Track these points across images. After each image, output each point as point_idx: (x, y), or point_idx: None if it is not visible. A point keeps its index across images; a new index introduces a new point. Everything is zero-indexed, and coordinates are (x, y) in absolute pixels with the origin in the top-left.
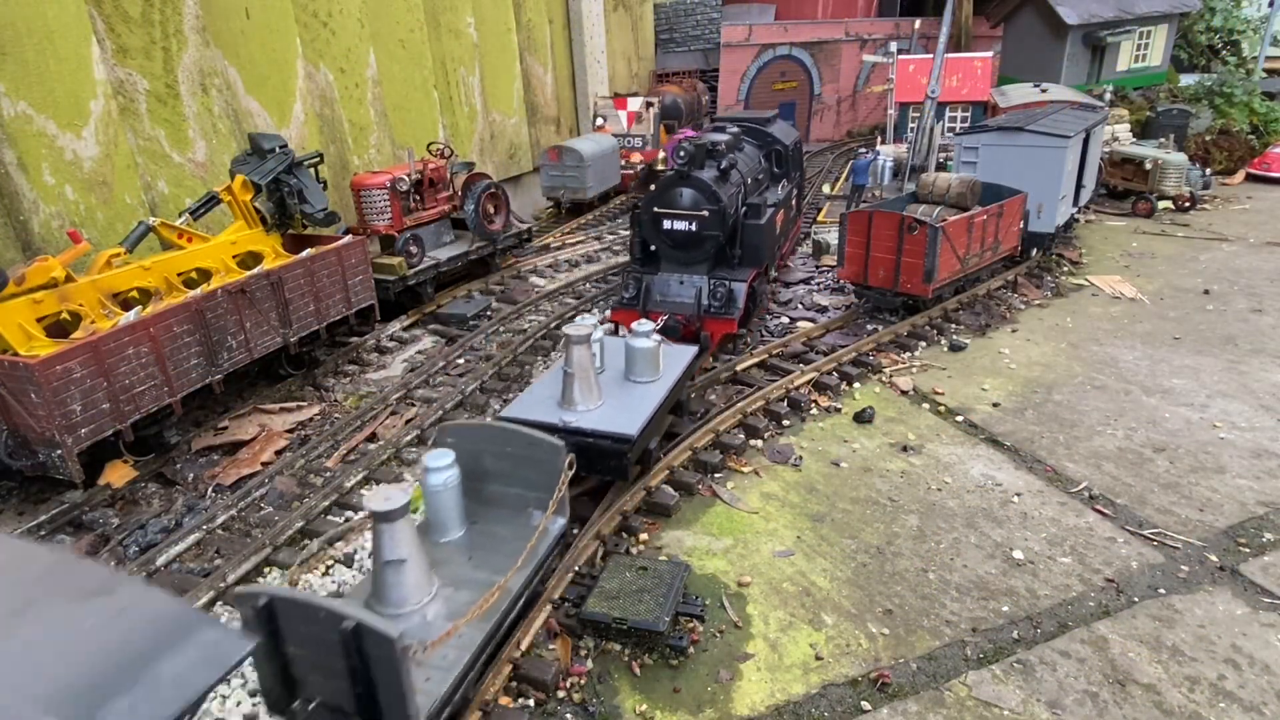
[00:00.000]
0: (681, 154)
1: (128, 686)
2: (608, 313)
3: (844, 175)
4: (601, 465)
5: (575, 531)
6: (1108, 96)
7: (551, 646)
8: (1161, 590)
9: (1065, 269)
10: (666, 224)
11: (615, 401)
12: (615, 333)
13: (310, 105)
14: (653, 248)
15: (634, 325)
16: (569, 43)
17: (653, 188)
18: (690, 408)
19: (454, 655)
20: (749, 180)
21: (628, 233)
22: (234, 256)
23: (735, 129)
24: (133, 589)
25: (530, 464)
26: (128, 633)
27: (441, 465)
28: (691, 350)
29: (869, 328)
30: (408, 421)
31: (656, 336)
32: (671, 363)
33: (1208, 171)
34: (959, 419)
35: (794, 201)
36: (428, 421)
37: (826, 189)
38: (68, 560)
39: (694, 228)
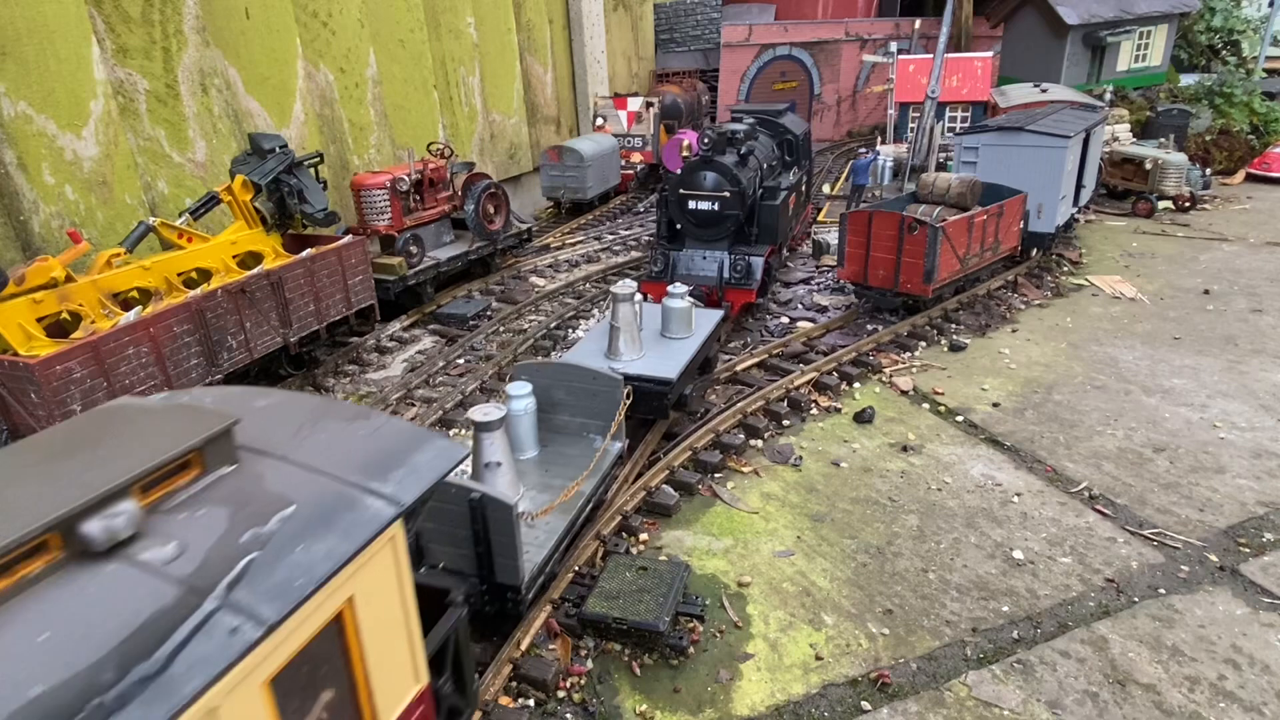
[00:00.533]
0: (706, 141)
1: (397, 466)
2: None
3: (844, 175)
4: (645, 406)
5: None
6: (1108, 96)
7: (551, 646)
8: (1161, 590)
9: (1065, 269)
10: (691, 204)
11: (654, 352)
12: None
13: (310, 105)
14: (678, 226)
15: (669, 289)
16: (569, 43)
17: (679, 172)
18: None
19: (544, 537)
20: (765, 166)
21: (627, 233)
22: (234, 256)
23: (752, 119)
24: (381, 416)
25: (592, 396)
26: (387, 439)
27: (522, 394)
28: (718, 313)
29: (869, 328)
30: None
31: (689, 298)
32: (702, 322)
33: (1208, 171)
34: (959, 419)
35: (804, 187)
36: (428, 422)
37: (826, 189)
38: (329, 400)
39: (716, 207)
